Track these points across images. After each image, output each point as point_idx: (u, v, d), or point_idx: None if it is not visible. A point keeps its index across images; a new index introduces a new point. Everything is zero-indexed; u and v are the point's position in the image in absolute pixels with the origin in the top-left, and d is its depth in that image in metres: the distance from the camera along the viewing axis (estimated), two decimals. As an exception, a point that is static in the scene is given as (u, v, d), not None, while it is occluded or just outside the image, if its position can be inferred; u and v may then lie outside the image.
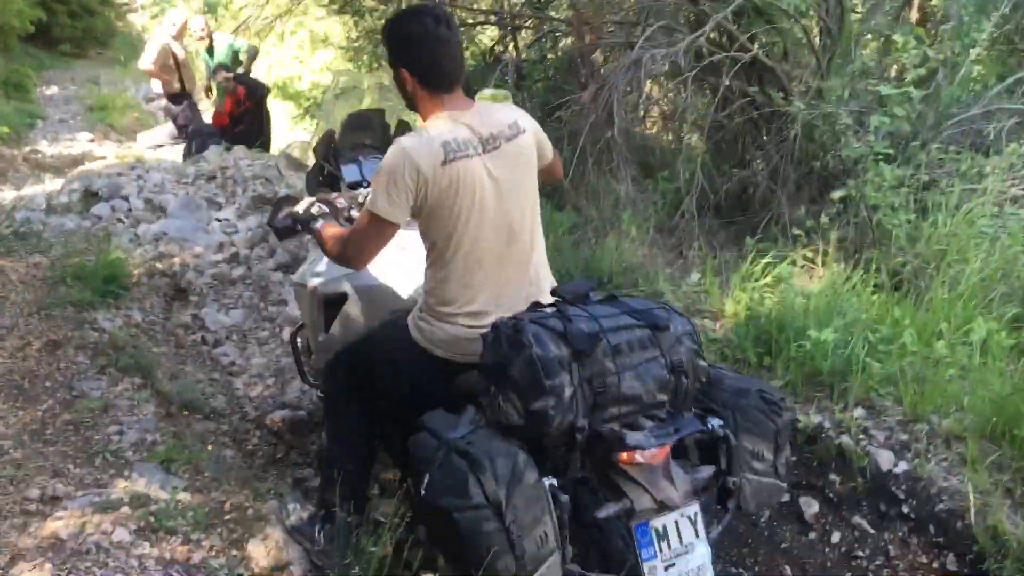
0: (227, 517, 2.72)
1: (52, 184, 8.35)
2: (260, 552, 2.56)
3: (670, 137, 7.00)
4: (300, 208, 2.74)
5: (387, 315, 2.75)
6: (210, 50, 8.63)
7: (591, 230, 5.01)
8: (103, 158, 9.73)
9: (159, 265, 5.30)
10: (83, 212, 6.85)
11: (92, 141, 10.71)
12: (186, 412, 3.67)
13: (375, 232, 2.34)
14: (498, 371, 2.00)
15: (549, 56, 6.84)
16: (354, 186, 3.22)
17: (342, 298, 3.01)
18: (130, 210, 6.68)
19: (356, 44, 9.88)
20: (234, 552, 2.53)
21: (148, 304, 4.77)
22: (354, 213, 2.92)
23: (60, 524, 2.44)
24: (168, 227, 6.03)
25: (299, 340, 3.47)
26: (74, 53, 19.06)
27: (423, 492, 1.93)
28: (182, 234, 5.87)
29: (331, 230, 2.58)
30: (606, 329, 2.04)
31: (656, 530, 2.03)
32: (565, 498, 1.94)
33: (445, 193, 2.27)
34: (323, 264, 3.12)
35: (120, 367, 3.68)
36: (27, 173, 9.11)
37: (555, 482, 1.94)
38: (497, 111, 2.46)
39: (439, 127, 2.32)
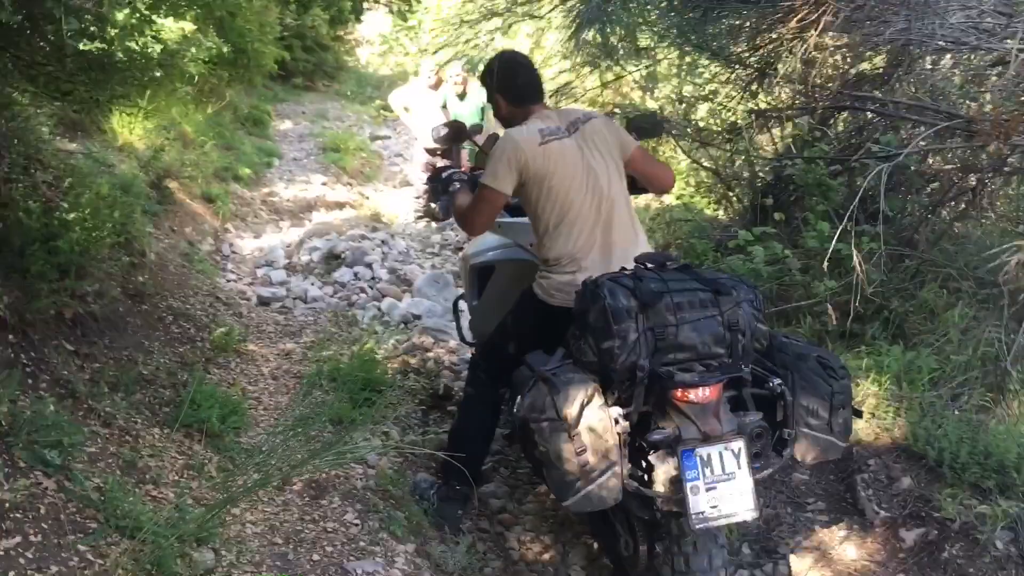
0: None
1: (289, 233, 8.19)
2: None
3: None
4: (444, 174, 3.35)
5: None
6: (461, 96, 8.26)
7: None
8: (337, 204, 9.57)
9: (412, 361, 4.72)
10: (325, 275, 6.51)
11: (325, 184, 10.64)
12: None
13: (486, 201, 3.01)
14: (581, 317, 2.53)
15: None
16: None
17: (491, 270, 3.66)
18: (374, 278, 6.26)
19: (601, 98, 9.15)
20: None
21: (404, 413, 4.17)
22: None
23: None
24: (416, 307, 5.50)
25: (459, 305, 4.23)
26: (305, 86, 19.72)
27: (515, 410, 2.51)
28: (433, 318, 5.31)
29: (462, 198, 3.20)
30: (671, 289, 2.48)
31: (700, 457, 2.39)
32: (625, 423, 2.42)
33: (544, 167, 2.90)
34: (479, 243, 3.75)
35: (392, 530, 3.02)
36: (265, 218, 9.03)
37: (619, 410, 2.43)
38: (572, 110, 3.30)
39: (534, 121, 3.02)
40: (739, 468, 2.41)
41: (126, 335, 3.84)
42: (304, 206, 9.56)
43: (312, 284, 6.26)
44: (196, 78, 9.06)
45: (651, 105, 6.32)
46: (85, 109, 3.97)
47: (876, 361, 3.92)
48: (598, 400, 2.40)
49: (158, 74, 4.67)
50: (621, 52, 4.14)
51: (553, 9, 2.99)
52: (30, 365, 2.93)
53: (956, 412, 3.59)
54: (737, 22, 3.53)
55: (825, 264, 3.92)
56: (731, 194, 5.65)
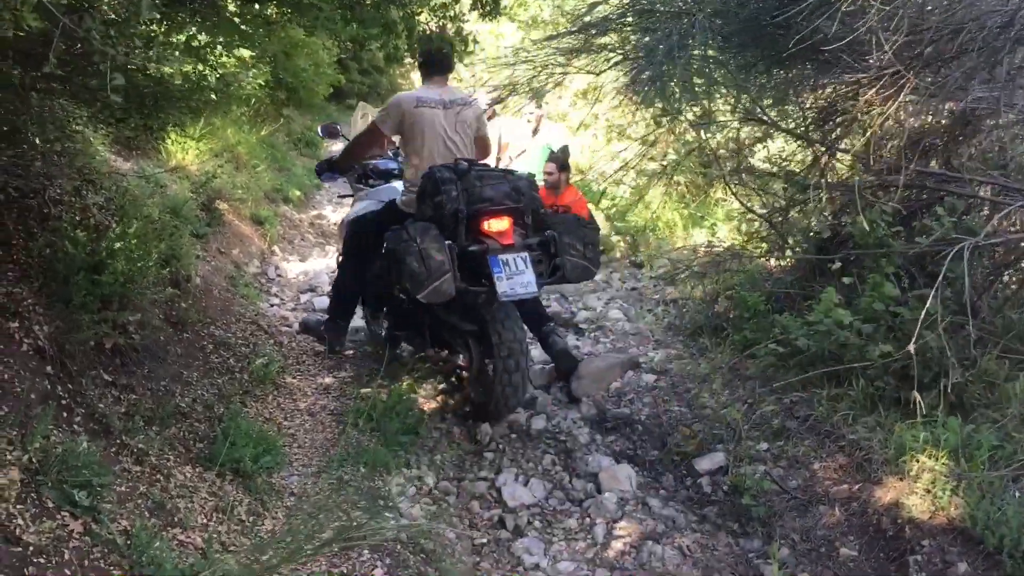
0: None
1: (334, 258, 8.19)
2: None
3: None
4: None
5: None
6: (534, 131, 8.23)
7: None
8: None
9: (451, 401, 4.64)
10: (367, 305, 6.45)
11: (373, 208, 10.66)
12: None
13: (370, 134, 4.75)
14: (421, 193, 4.17)
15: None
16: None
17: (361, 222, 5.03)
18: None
19: (653, 135, 9.06)
20: None
21: (439, 458, 4.09)
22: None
23: None
24: (457, 344, 5.44)
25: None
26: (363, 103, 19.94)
27: (384, 247, 4.21)
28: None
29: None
30: (477, 170, 4.16)
31: (502, 260, 3.91)
32: (453, 244, 3.87)
33: (415, 122, 4.47)
34: (352, 211, 5.38)
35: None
36: (312, 241, 9.06)
37: (449, 241, 3.87)
38: (457, 93, 4.66)
39: (421, 89, 4.64)
40: (527, 268, 3.91)
41: (165, 365, 3.82)
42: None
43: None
44: (252, 100, 9.19)
45: (710, 143, 6.20)
46: (139, 133, 3.96)
47: (933, 434, 3.73)
48: (435, 232, 3.85)
49: (214, 98, 4.70)
50: (677, 97, 4.05)
51: (611, 67, 2.91)
52: (66, 397, 2.90)
53: (1018, 495, 3.40)
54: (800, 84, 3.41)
55: (883, 327, 3.77)
56: (786, 246, 5.50)
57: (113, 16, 2.44)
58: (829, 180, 5.36)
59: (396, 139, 5.76)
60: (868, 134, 3.77)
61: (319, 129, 5.67)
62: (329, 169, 5.39)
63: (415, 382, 4.66)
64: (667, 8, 2.45)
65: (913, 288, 4.23)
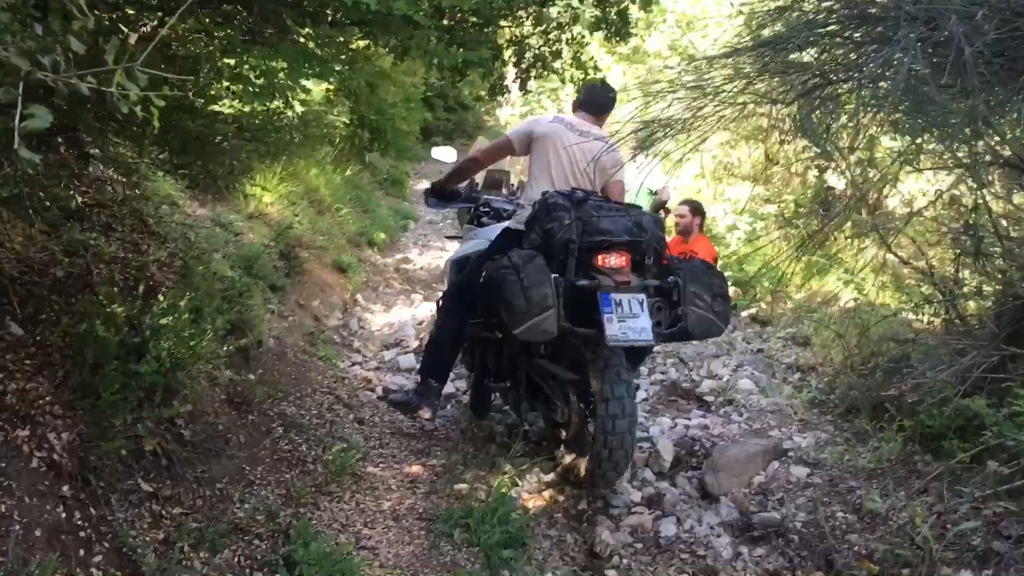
0: None
1: (421, 308, 7.55)
2: None
3: None
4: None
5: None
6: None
7: None
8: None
9: (560, 498, 3.86)
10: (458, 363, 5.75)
11: (460, 252, 10.04)
12: None
13: (498, 147, 4.42)
14: (533, 216, 3.71)
15: None
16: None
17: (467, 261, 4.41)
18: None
19: (767, 173, 8.21)
20: None
21: (550, 577, 3.31)
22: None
23: None
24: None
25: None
26: (443, 144, 19.56)
27: (483, 274, 3.58)
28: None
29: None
30: (594, 199, 3.74)
31: (615, 300, 3.40)
32: (560, 278, 3.41)
33: (546, 137, 4.08)
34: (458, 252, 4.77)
35: None
36: (397, 288, 8.45)
37: (556, 275, 3.40)
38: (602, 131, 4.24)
39: (566, 115, 4.29)
40: (642, 312, 3.41)
41: (223, 460, 3.16)
42: (438, 275, 8.93)
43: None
44: (336, 139, 8.69)
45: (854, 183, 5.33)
46: (198, 182, 3.36)
47: None
48: (540, 260, 3.41)
49: (294, 138, 4.11)
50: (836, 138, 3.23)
51: (804, 94, 2.14)
52: (86, 527, 2.24)
53: None
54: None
55: None
56: (952, 310, 4.57)
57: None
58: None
59: (515, 180, 5.79)
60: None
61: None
62: (437, 195, 4.73)
63: (517, 473, 3.90)
64: (911, 8, 1.69)
65: None
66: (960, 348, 4.04)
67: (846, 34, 2.02)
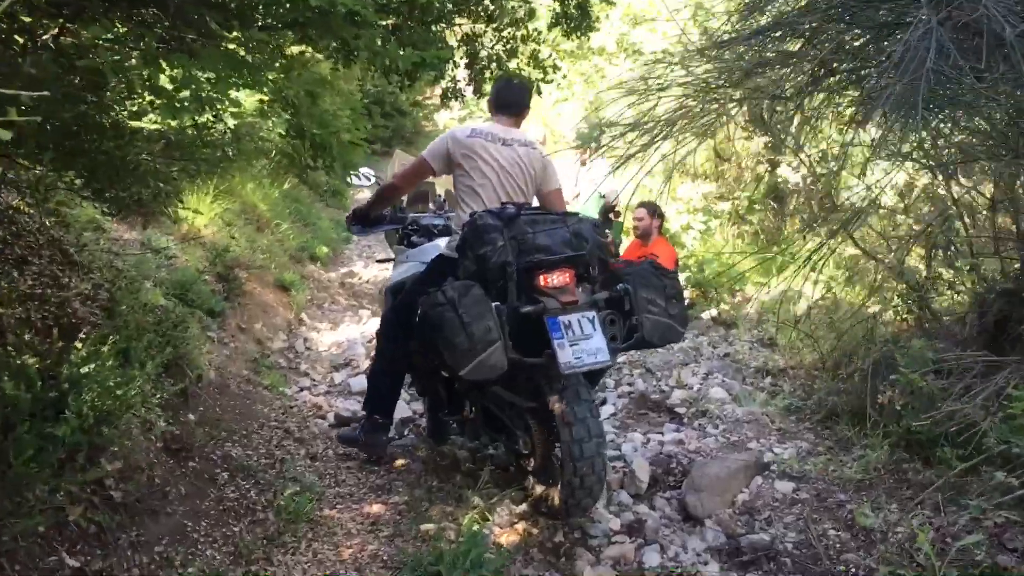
0: None
1: (369, 324, 7.20)
2: None
3: None
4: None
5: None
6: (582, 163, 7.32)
7: None
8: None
9: (534, 531, 3.58)
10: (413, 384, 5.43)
11: (405, 263, 9.72)
12: None
13: (415, 170, 3.99)
14: (462, 242, 3.41)
15: None
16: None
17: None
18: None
19: (723, 171, 8.07)
20: None
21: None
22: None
23: None
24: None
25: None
26: (381, 152, 19.12)
27: (419, 311, 3.27)
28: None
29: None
30: (526, 213, 3.39)
31: (563, 323, 3.13)
32: (503, 306, 3.12)
33: (467, 155, 3.76)
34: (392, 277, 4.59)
35: None
36: (343, 304, 8.09)
37: (497, 303, 3.11)
38: (523, 134, 3.95)
39: (481, 123, 3.98)
40: (594, 330, 3.17)
41: (161, 519, 2.81)
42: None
43: (404, 404, 5.18)
44: (273, 151, 8.27)
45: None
46: (121, 208, 3.00)
47: None
48: (477, 291, 3.11)
49: (228, 153, 3.77)
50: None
51: (807, 88, 1.90)
52: (-4, 626, 1.89)
53: None
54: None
55: None
56: (926, 308, 4.42)
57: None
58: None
59: (442, 191, 5.37)
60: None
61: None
62: (360, 221, 4.46)
63: (486, 507, 3.61)
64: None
65: None
66: (943, 348, 3.88)
67: (848, 17, 1.79)
